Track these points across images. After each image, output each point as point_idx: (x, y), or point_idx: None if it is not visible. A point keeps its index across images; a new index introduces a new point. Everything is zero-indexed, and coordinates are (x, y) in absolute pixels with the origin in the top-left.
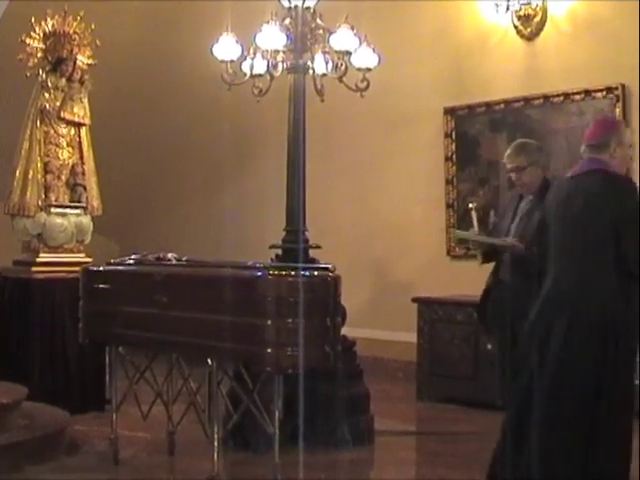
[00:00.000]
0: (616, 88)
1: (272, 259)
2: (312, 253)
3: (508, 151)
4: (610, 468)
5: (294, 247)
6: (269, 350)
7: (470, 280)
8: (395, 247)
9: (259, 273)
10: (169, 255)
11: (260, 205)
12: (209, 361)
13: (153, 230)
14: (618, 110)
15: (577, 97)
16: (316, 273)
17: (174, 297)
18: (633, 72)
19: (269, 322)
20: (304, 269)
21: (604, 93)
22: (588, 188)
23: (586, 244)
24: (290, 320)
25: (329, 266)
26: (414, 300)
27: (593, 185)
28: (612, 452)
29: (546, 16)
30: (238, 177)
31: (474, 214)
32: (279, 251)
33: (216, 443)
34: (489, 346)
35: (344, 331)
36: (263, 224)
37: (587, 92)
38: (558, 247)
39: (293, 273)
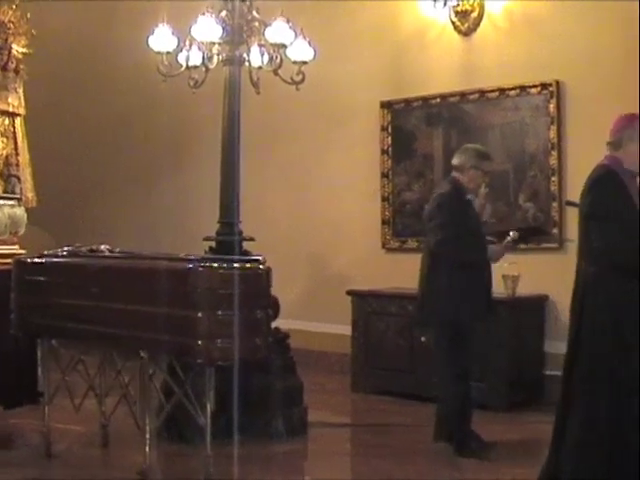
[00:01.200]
0: (550, 84)
1: (206, 251)
2: (247, 246)
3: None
4: None
5: (227, 239)
6: (200, 342)
7: (404, 273)
8: (331, 240)
9: (190, 265)
10: (102, 247)
11: (196, 197)
12: (141, 353)
13: (89, 222)
14: (552, 106)
15: (512, 93)
16: (247, 265)
17: (107, 289)
18: (567, 68)
19: (200, 314)
20: (235, 261)
21: (539, 89)
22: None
23: (579, 235)
24: (221, 312)
25: (260, 258)
26: (349, 293)
27: (589, 177)
28: None
29: (483, 12)
30: (175, 169)
31: None
32: (213, 243)
33: (148, 435)
34: (423, 338)
35: (278, 323)
36: (199, 216)
37: (522, 88)
38: None
39: (225, 265)
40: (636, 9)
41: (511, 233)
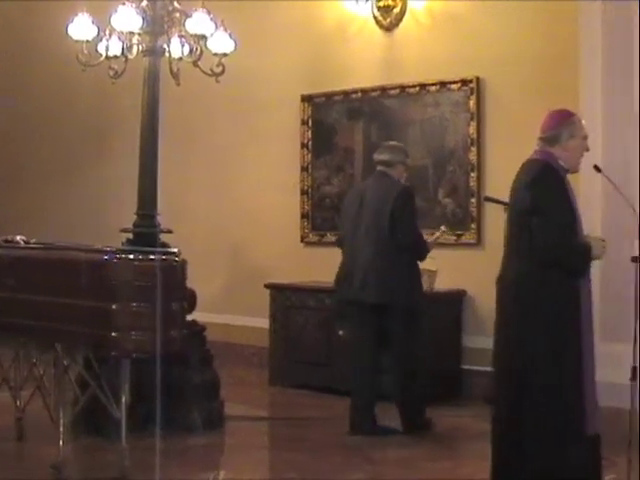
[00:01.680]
0: (471, 81)
1: (123, 243)
2: (165, 238)
3: None
4: None
5: (145, 231)
6: (114, 334)
7: (323, 267)
8: (250, 233)
9: (105, 257)
10: (17, 237)
11: (115, 188)
12: (56, 346)
13: (6, 213)
14: (472, 102)
15: (433, 88)
16: (163, 257)
17: (22, 280)
18: (488, 65)
19: (114, 306)
20: (151, 253)
21: (459, 85)
22: (519, 175)
23: (512, 231)
24: (135, 304)
25: (175, 250)
26: (267, 286)
27: (524, 172)
28: None
29: (405, 8)
30: (94, 160)
31: None
32: (131, 235)
33: (62, 429)
34: (340, 332)
35: (196, 316)
36: (118, 208)
37: (443, 84)
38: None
39: (140, 257)
40: (555, 7)
41: (442, 227)
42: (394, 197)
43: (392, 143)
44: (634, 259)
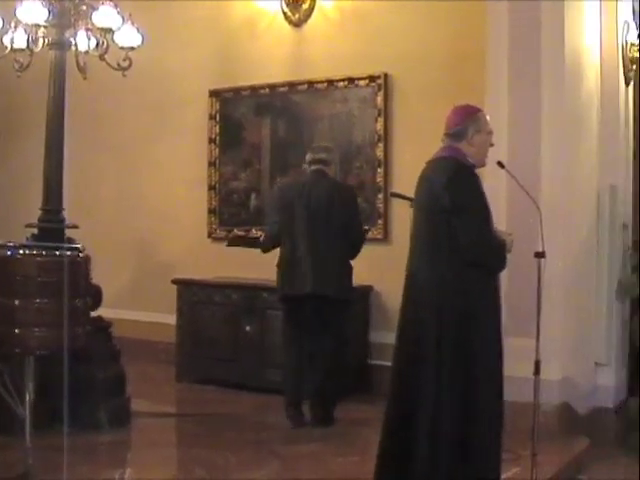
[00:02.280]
0: (379, 77)
1: (27, 238)
2: (71, 233)
3: None
4: None
5: (49, 226)
6: (17, 330)
7: (230, 262)
8: (157, 228)
9: (8, 252)
10: None
11: (20, 183)
12: None
13: None
14: (380, 98)
15: (341, 84)
16: (68, 253)
17: None
18: (396, 62)
19: (17, 302)
20: (54, 249)
21: (367, 81)
22: (431, 174)
23: (427, 230)
24: (38, 300)
25: (79, 246)
26: (174, 281)
27: (436, 171)
28: None
29: (314, 4)
30: None
31: None
32: (36, 230)
33: None
34: (247, 328)
35: (102, 312)
36: (23, 203)
37: (351, 80)
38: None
39: (43, 253)
40: (463, 5)
41: None
42: (344, 197)
43: (325, 144)
44: (537, 255)
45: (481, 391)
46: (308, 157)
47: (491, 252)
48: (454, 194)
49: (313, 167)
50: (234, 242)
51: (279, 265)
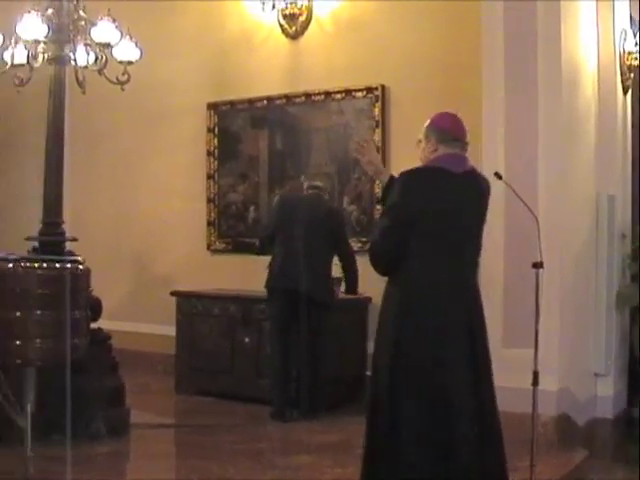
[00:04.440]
0: (376, 88)
1: (28, 251)
2: (70, 246)
3: None
4: None
5: (50, 239)
6: (18, 342)
7: (229, 274)
8: (156, 241)
9: (10, 265)
10: None
11: (20, 196)
12: None
13: None
14: (377, 110)
15: (338, 96)
16: (67, 265)
17: None
18: (392, 73)
19: (18, 314)
20: (54, 261)
21: (364, 93)
22: (480, 185)
23: (470, 242)
24: (39, 312)
25: (79, 258)
26: (173, 293)
27: (482, 183)
28: None
29: (311, 16)
30: None
31: None
32: (37, 243)
33: None
34: (247, 339)
35: (102, 324)
36: (24, 216)
37: (348, 91)
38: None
39: (43, 265)
40: (459, 16)
41: None
42: (335, 219)
43: (322, 173)
44: (535, 265)
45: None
46: (305, 184)
47: None
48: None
49: (311, 190)
50: (237, 246)
51: (270, 264)
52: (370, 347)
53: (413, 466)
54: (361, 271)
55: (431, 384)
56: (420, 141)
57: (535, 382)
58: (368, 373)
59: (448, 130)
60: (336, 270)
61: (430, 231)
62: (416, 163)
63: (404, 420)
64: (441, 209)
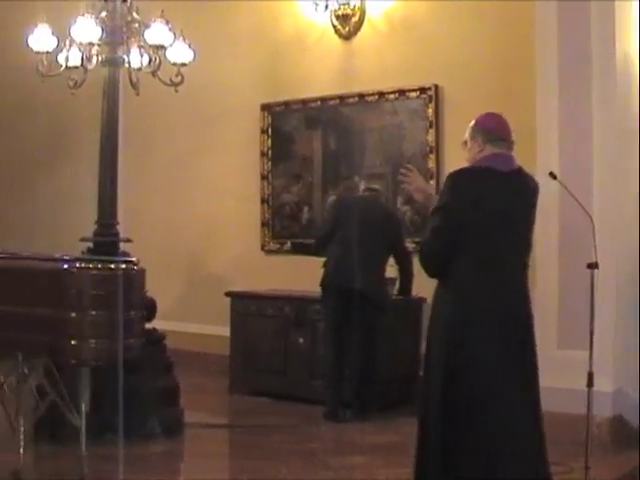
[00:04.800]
0: (429, 88)
1: (83, 252)
2: (125, 247)
3: None
4: None
5: (104, 240)
6: (73, 342)
7: (283, 274)
8: (210, 241)
9: (65, 266)
10: None
11: (75, 198)
12: (16, 354)
13: None
14: (431, 110)
15: (391, 96)
16: (121, 266)
17: None
18: (446, 73)
19: (73, 314)
20: (109, 262)
21: (417, 93)
22: (526, 185)
23: (522, 241)
24: (94, 312)
25: (134, 259)
26: (227, 294)
27: (530, 183)
28: None
29: (364, 16)
30: (54, 169)
31: None
32: (91, 244)
33: (22, 436)
34: (301, 340)
35: (156, 324)
36: (78, 217)
37: (401, 92)
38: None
39: (98, 266)
40: (512, 13)
41: None
42: (393, 222)
43: (378, 172)
44: (590, 266)
45: None
46: (363, 186)
47: None
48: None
49: (366, 193)
50: (294, 248)
51: (326, 263)
52: (424, 347)
53: (462, 470)
54: (415, 272)
55: (484, 385)
56: (466, 142)
57: (590, 383)
58: (422, 374)
59: (494, 130)
60: (389, 271)
61: (479, 231)
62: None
63: (453, 420)
64: (490, 209)
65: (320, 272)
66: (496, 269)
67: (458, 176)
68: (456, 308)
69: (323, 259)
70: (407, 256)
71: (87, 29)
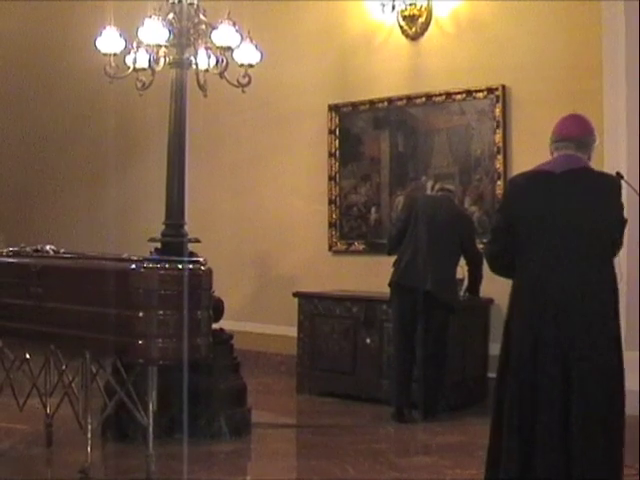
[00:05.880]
0: (497, 89)
1: (151, 252)
2: (193, 247)
3: None
4: None
5: (172, 240)
6: (140, 342)
7: (350, 275)
8: (278, 242)
9: (133, 266)
10: (47, 247)
11: (143, 199)
12: (84, 353)
13: (35, 223)
14: (498, 110)
15: (459, 97)
16: (189, 266)
17: (50, 289)
18: (513, 73)
19: (141, 314)
20: (176, 262)
21: (485, 93)
22: (581, 183)
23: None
24: (161, 312)
25: (201, 259)
26: (295, 294)
27: (586, 180)
28: None
29: (431, 17)
30: (122, 170)
31: None
32: (159, 244)
33: (89, 435)
34: (368, 340)
35: (224, 324)
36: (146, 217)
37: (468, 92)
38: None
39: (166, 266)
40: (580, 13)
41: None
42: (464, 223)
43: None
44: None
45: None
46: (437, 186)
47: None
48: (620, 204)
49: (440, 193)
50: (371, 247)
51: (396, 262)
52: (492, 348)
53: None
54: (484, 272)
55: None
56: None
57: None
58: (490, 375)
59: (556, 132)
60: (458, 271)
61: (530, 232)
62: (537, 163)
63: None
64: (539, 210)
65: (387, 273)
66: (552, 267)
67: (511, 181)
68: (513, 309)
69: (391, 260)
70: (477, 257)
71: (154, 31)
